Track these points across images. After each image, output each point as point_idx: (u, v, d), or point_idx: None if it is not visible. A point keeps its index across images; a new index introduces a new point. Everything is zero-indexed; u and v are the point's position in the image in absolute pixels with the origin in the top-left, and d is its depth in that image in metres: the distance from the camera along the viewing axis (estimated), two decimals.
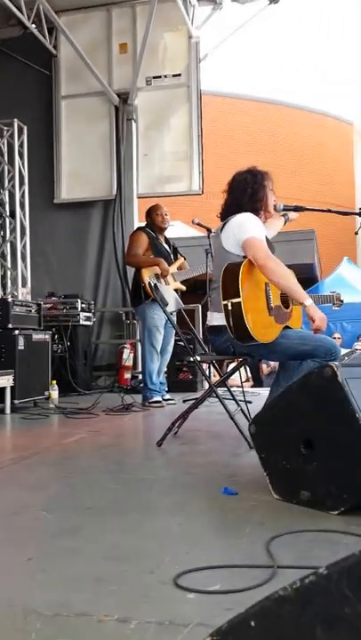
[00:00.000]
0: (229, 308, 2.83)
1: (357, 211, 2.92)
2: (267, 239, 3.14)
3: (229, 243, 3.03)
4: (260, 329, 2.85)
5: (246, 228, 2.97)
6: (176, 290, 5.09)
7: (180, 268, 5.29)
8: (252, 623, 0.76)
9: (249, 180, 3.14)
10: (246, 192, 3.11)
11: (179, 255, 5.39)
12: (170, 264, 5.18)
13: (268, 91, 18.24)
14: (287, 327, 3.03)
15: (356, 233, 2.94)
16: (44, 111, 7.48)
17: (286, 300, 3.07)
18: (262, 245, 2.92)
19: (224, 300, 2.87)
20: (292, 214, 3.56)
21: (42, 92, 7.48)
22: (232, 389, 3.88)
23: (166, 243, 5.39)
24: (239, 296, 2.81)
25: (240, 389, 3.83)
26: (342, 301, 3.49)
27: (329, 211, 3.22)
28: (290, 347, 2.93)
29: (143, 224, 5.54)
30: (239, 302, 2.81)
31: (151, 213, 5.35)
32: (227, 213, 3.15)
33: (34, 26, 7.00)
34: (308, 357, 2.88)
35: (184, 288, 5.26)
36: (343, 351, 6.22)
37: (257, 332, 2.82)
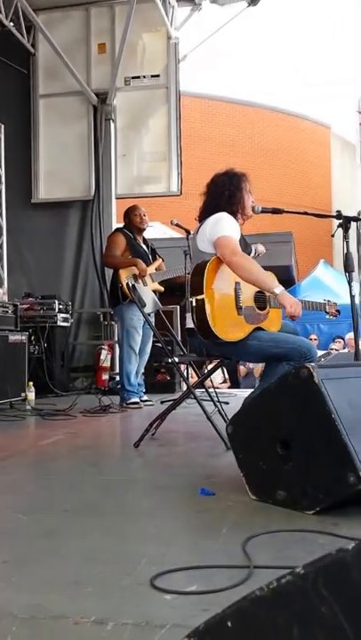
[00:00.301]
0: (194, 304, 2.85)
1: (334, 213, 2.95)
2: (244, 240, 3.14)
3: (204, 243, 3.04)
4: (225, 327, 2.85)
5: (220, 227, 2.98)
6: (154, 291, 5.08)
7: (157, 269, 5.29)
8: (229, 623, 0.76)
9: (226, 183, 3.15)
10: (224, 195, 3.12)
11: (157, 256, 5.39)
12: (148, 265, 5.17)
13: (248, 93, 18.31)
14: (261, 329, 3.03)
15: (333, 235, 2.97)
16: (21, 110, 7.40)
17: (263, 301, 3.07)
18: (231, 242, 2.92)
19: (191, 297, 2.88)
20: (260, 247, 3.55)
21: (19, 90, 7.41)
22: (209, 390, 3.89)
23: (145, 243, 5.39)
24: (202, 292, 2.83)
25: (217, 390, 3.83)
26: (339, 312, 3.47)
27: (306, 213, 3.24)
28: (262, 349, 2.93)
29: (122, 225, 5.53)
30: (202, 299, 2.82)
31: (129, 214, 5.35)
32: (204, 215, 3.15)
33: (12, 24, 6.91)
34: (283, 360, 2.88)
35: (162, 289, 5.26)
36: (319, 352, 6.28)
37: (220, 329, 2.82)
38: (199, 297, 2.83)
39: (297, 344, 2.92)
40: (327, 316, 3.45)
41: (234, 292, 2.95)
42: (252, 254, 3.40)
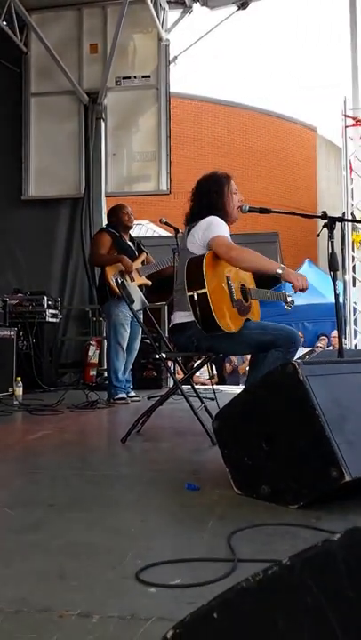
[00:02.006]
0: (195, 298, 2.89)
1: (319, 214, 2.99)
2: None
3: (195, 246, 3.10)
4: (226, 319, 2.92)
5: (211, 229, 3.05)
6: (141, 286, 5.09)
7: (145, 263, 5.29)
8: (215, 615, 0.77)
9: (209, 189, 3.22)
10: (206, 201, 3.19)
11: (142, 250, 5.41)
12: (133, 261, 5.19)
13: (238, 95, 18.49)
14: (247, 319, 3.12)
15: (318, 235, 3.01)
16: (13, 108, 7.41)
17: (245, 293, 3.16)
18: (225, 240, 3.01)
19: (189, 291, 2.91)
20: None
21: (11, 89, 7.41)
22: (196, 387, 3.90)
23: (131, 241, 5.41)
24: (204, 287, 2.88)
25: (204, 387, 3.86)
26: (293, 302, 3.58)
27: (293, 213, 3.28)
28: (251, 337, 3.01)
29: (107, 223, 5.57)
30: (205, 292, 2.87)
31: (117, 212, 5.36)
32: (190, 220, 3.23)
33: (5, 23, 6.94)
34: (271, 347, 2.95)
35: (150, 283, 5.27)
36: (304, 350, 6.31)
37: (222, 321, 2.89)
38: (200, 291, 2.87)
39: (283, 330, 3.02)
40: (285, 306, 3.54)
41: (227, 286, 3.03)
42: None
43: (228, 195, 3.21)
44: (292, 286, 2.96)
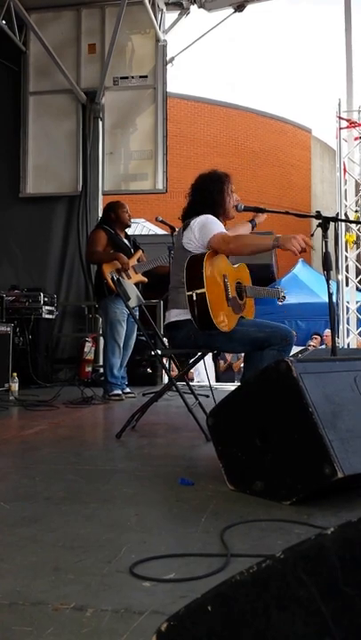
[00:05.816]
0: (194, 298, 2.91)
1: (313, 214, 3.00)
2: None
3: (192, 246, 3.12)
4: (221, 318, 2.96)
5: (209, 229, 3.07)
6: (138, 283, 5.11)
7: (139, 260, 5.31)
8: (209, 608, 0.78)
9: (209, 186, 3.25)
10: (206, 198, 3.22)
11: (137, 247, 5.43)
12: (129, 258, 5.20)
13: (237, 96, 18.64)
14: (242, 317, 3.15)
15: (312, 235, 3.03)
16: (11, 106, 7.43)
17: (240, 291, 3.19)
18: (221, 236, 3.03)
19: (189, 291, 2.94)
20: (259, 218, 3.63)
21: (9, 87, 7.43)
22: (190, 384, 3.92)
23: (127, 238, 5.43)
24: (203, 286, 2.91)
25: (198, 384, 3.87)
26: (285, 297, 3.69)
27: (287, 213, 3.31)
28: (246, 334, 3.04)
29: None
30: (203, 292, 2.90)
31: (116, 210, 5.37)
32: (187, 216, 3.25)
33: (4, 22, 6.96)
34: (265, 344, 2.98)
35: (146, 280, 5.28)
36: (297, 348, 6.35)
37: (218, 320, 2.92)
38: (199, 291, 2.91)
39: (277, 328, 3.05)
40: (278, 301, 3.62)
41: (223, 284, 3.06)
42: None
43: (228, 193, 3.24)
44: (291, 248, 2.84)
